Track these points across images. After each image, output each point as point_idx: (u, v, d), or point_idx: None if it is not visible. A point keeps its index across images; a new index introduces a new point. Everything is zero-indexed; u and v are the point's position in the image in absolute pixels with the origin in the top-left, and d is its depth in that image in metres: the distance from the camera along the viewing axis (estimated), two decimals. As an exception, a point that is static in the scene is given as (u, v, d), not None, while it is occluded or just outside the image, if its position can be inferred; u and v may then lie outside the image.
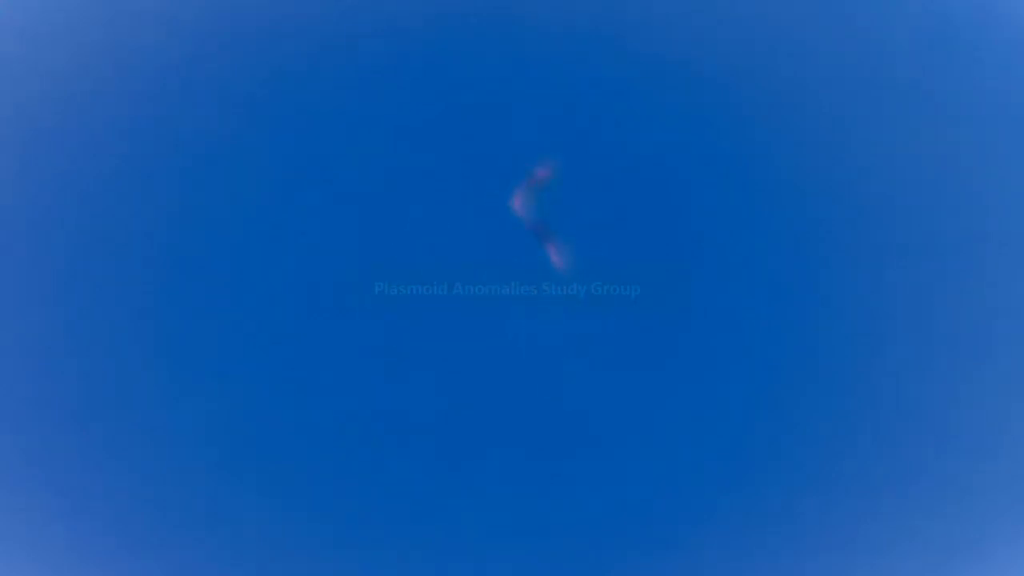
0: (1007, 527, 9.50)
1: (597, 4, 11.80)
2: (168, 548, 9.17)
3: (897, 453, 9.71)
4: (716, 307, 10.21)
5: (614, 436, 9.69)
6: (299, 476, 9.47)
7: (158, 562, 9.12)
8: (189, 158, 10.77)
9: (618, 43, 11.57)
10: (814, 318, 10.19)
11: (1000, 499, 9.60)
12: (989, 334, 10.21)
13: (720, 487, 9.53)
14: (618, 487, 9.54)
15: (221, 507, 9.32)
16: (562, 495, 9.47)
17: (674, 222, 10.60)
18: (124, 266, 10.23)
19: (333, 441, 9.58)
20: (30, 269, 10.20)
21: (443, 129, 11.04)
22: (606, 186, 10.78)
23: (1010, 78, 11.51)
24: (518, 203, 8.40)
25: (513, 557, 9.20)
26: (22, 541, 9.19)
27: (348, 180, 10.75)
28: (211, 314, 10.04)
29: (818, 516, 9.47)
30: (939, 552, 9.39)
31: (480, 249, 10.38)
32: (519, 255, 10.35)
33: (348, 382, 9.82)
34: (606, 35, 11.62)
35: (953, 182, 10.93)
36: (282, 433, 9.62)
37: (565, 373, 9.90)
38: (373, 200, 10.63)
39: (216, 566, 9.11)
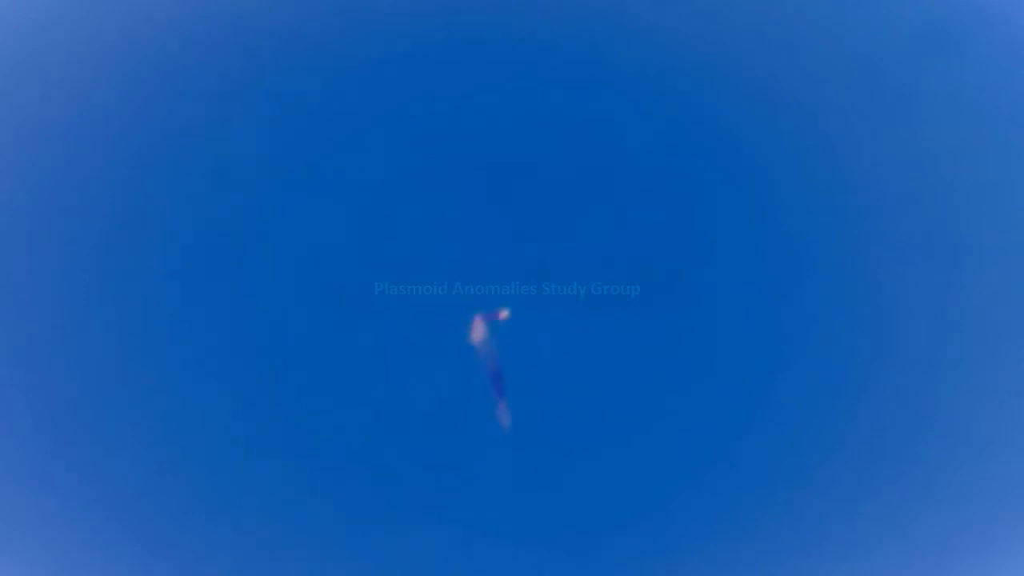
0: (1003, 527, 9.54)
1: (598, 6, 11.83)
2: (171, 547, 9.17)
3: (894, 453, 9.75)
4: (715, 307, 10.25)
5: (614, 436, 9.71)
6: (296, 475, 9.47)
7: (160, 560, 9.12)
8: (191, 160, 10.77)
9: (617, 44, 11.61)
10: (813, 318, 10.23)
11: (997, 499, 9.65)
12: (986, 334, 10.26)
13: (719, 487, 9.56)
14: (617, 487, 9.56)
15: (220, 506, 9.32)
16: (562, 495, 9.49)
17: (674, 222, 10.62)
18: (127, 267, 10.22)
19: (332, 441, 9.58)
20: (35, 271, 10.18)
21: (443, 129, 11.05)
22: (606, 186, 10.81)
23: (1007, 80, 11.57)
24: (476, 341, 8.56)
25: (513, 557, 9.22)
26: (27, 540, 9.18)
27: (348, 180, 10.76)
28: (210, 314, 10.04)
29: (817, 516, 9.50)
30: (936, 551, 9.43)
31: (480, 249, 10.40)
32: (519, 255, 10.37)
33: (348, 382, 9.82)
34: (605, 36, 11.66)
35: (952, 183, 10.99)
36: (281, 433, 9.62)
37: (565, 373, 9.92)
38: (373, 200, 10.64)
39: (216, 564, 9.11)
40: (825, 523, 9.44)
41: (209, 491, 9.33)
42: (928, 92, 11.48)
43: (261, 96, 11.13)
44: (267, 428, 9.59)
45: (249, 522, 9.24)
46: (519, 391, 9.81)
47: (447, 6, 11.71)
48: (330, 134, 10.98)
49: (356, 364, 9.88)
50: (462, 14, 11.66)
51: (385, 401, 9.76)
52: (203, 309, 10.04)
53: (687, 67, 11.48)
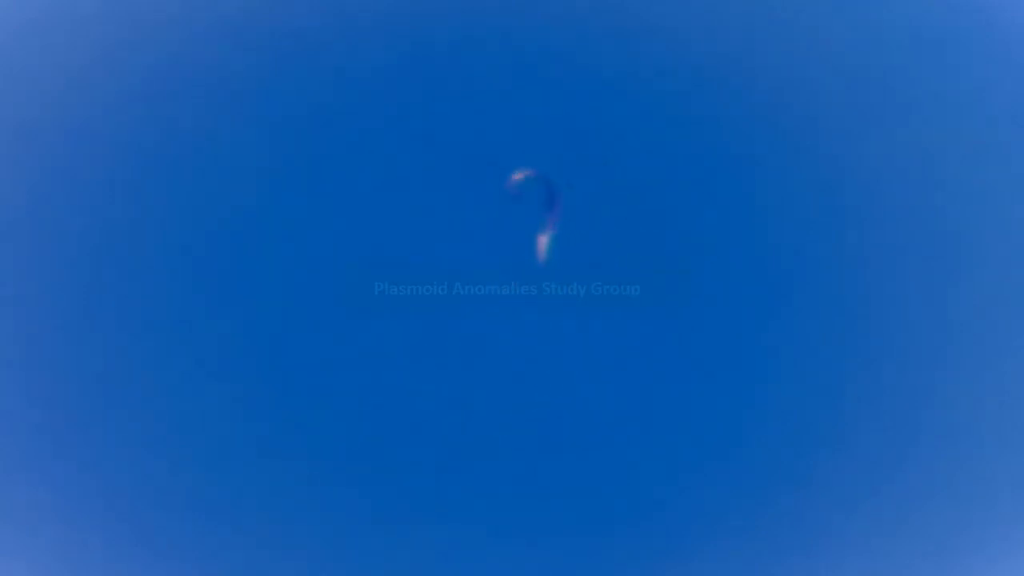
0: (1003, 527, 9.55)
1: (600, 9, 11.83)
2: (171, 546, 9.17)
3: (894, 453, 9.75)
4: (716, 307, 10.24)
5: (615, 436, 9.72)
6: (297, 472, 9.47)
7: (160, 560, 9.12)
8: (192, 161, 10.77)
9: (617, 44, 11.60)
10: (814, 318, 10.23)
11: (997, 499, 9.65)
12: (986, 334, 10.26)
13: (719, 486, 9.56)
14: (617, 487, 9.56)
15: (220, 506, 9.32)
16: (562, 492, 9.49)
17: (674, 222, 10.62)
18: (129, 268, 10.22)
19: (333, 438, 9.58)
20: (35, 271, 10.19)
21: (444, 131, 11.05)
22: (606, 187, 10.81)
23: (1007, 80, 11.57)
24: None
25: (513, 557, 9.22)
26: (27, 540, 9.19)
27: (349, 181, 10.76)
28: (210, 314, 10.04)
29: (817, 516, 9.51)
30: (936, 551, 9.43)
31: (480, 249, 10.40)
32: (519, 255, 10.36)
33: (348, 381, 9.82)
34: (605, 36, 11.65)
35: (952, 184, 10.99)
36: (281, 433, 9.62)
37: (565, 372, 9.92)
38: (374, 201, 10.65)
39: (216, 564, 9.11)
40: (825, 523, 9.45)
41: (209, 491, 9.34)
42: (928, 92, 11.47)
43: (261, 96, 11.13)
44: (267, 428, 9.60)
45: (249, 522, 9.25)
46: (519, 391, 9.82)
47: (447, 7, 11.70)
48: (331, 135, 10.97)
49: (356, 364, 9.88)
50: (462, 15, 11.65)
51: (385, 401, 9.76)
52: (203, 309, 10.04)
53: (687, 67, 11.47)
